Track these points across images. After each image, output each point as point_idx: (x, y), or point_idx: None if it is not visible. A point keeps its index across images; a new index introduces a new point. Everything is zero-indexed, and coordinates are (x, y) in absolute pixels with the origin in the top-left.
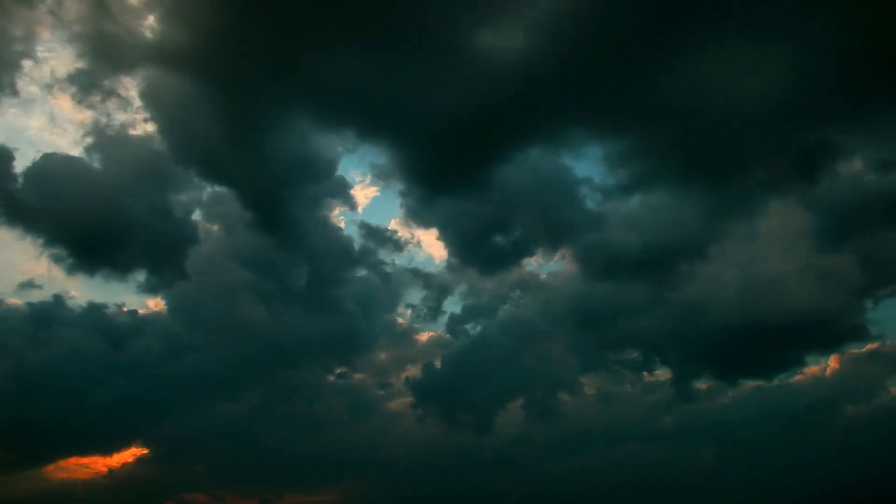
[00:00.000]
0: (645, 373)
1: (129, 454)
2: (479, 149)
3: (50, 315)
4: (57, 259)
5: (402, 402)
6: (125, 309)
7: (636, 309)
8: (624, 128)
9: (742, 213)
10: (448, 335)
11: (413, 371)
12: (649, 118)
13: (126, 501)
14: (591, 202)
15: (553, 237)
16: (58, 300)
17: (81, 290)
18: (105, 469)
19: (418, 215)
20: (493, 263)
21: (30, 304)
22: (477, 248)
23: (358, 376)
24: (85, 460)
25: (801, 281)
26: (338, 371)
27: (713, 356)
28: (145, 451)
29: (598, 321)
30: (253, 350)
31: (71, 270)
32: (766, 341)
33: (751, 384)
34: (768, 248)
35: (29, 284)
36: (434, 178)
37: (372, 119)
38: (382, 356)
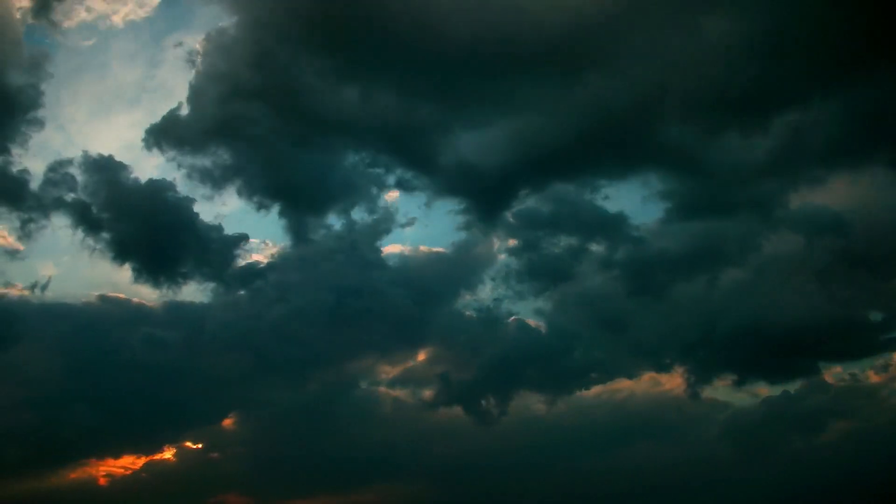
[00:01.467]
0: (666, 374)
1: (161, 455)
2: (527, 183)
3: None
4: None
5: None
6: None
7: (663, 314)
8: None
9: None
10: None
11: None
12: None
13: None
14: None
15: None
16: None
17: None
18: (136, 468)
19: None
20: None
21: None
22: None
23: (400, 378)
24: (121, 460)
25: (813, 292)
26: (381, 373)
27: (732, 361)
28: (174, 451)
29: (627, 327)
30: (292, 352)
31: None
32: (780, 347)
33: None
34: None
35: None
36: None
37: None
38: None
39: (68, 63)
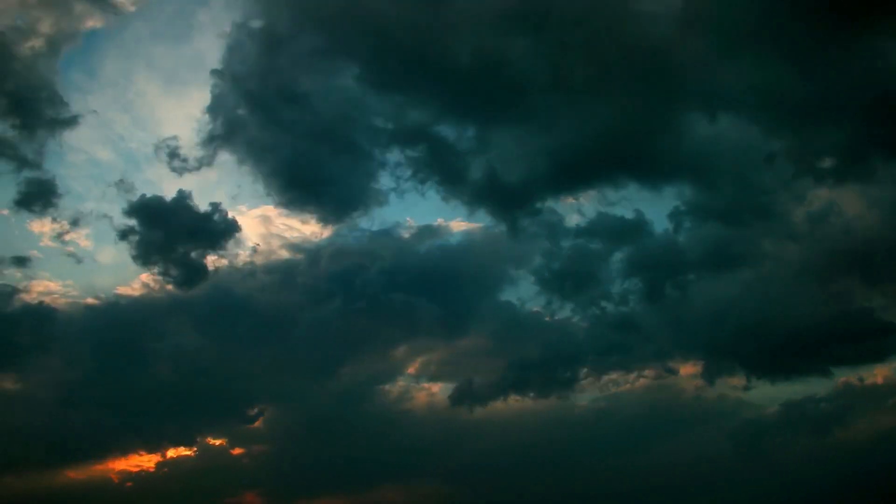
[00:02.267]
0: (683, 375)
1: (175, 452)
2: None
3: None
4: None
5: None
6: None
7: (680, 316)
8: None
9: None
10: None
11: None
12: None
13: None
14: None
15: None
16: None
17: None
18: (152, 466)
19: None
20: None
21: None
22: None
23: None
24: (139, 457)
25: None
26: (409, 369)
27: (755, 361)
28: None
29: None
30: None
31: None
32: (801, 349)
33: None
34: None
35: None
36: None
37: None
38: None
39: (141, 31)
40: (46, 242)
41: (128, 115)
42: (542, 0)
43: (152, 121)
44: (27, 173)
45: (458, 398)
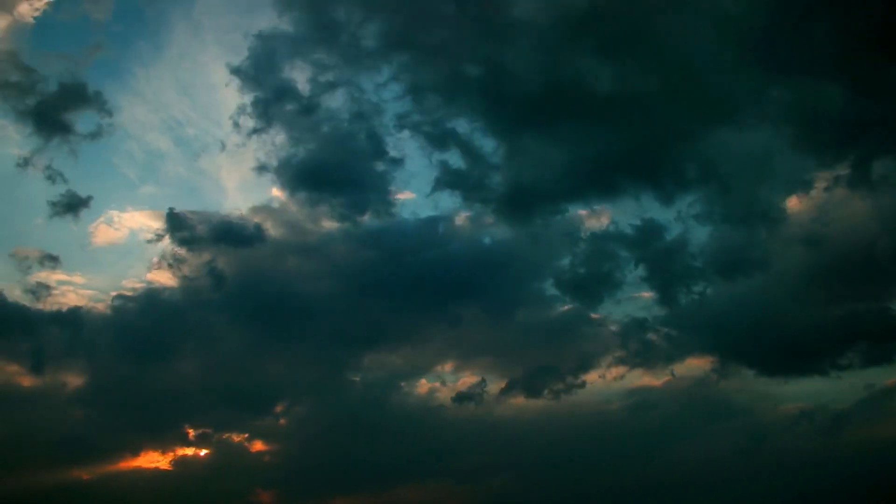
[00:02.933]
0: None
1: (187, 451)
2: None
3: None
4: None
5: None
6: None
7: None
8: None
9: None
10: None
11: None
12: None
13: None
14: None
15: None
16: None
17: None
18: (167, 466)
19: None
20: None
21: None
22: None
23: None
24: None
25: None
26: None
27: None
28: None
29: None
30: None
31: None
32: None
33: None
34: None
35: None
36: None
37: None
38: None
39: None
40: (65, 237)
41: (186, 98)
42: (576, 13)
43: (211, 104)
44: (60, 187)
45: (465, 397)
